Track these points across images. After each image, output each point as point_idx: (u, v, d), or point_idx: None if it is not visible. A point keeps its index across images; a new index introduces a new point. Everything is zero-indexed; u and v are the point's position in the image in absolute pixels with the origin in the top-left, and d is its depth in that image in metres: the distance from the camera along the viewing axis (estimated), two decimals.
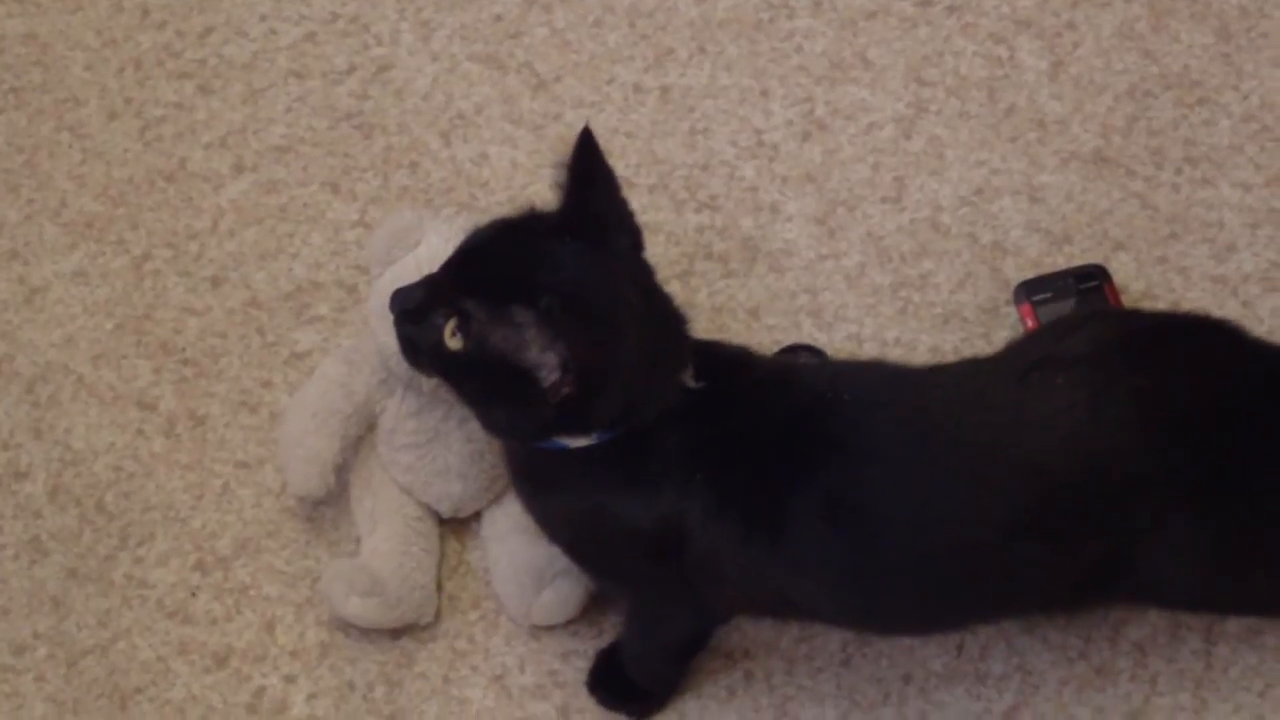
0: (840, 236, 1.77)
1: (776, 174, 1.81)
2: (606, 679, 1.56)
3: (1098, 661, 1.55)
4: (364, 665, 1.60)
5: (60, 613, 1.64)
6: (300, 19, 1.94)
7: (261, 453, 1.70)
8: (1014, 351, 1.45)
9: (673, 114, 1.85)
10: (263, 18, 1.95)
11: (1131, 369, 1.37)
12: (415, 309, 1.38)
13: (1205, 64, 1.83)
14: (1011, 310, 1.70)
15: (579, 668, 1.58)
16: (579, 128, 1.37)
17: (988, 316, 1.71)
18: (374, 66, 1.91)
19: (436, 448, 1.60)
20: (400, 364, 1.46)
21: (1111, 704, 1.53)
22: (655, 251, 1.47)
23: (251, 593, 1.64)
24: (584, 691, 1.56)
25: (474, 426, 1.54)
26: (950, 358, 1.68)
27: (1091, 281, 1.68)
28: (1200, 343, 1.43)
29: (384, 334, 1.52)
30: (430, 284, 1.38)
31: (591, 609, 1.59)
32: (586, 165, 1.36)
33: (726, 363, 1.42)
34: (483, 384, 1.37)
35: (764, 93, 1.85)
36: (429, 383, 1.55)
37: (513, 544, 1.58)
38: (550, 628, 1.59)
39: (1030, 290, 1.68)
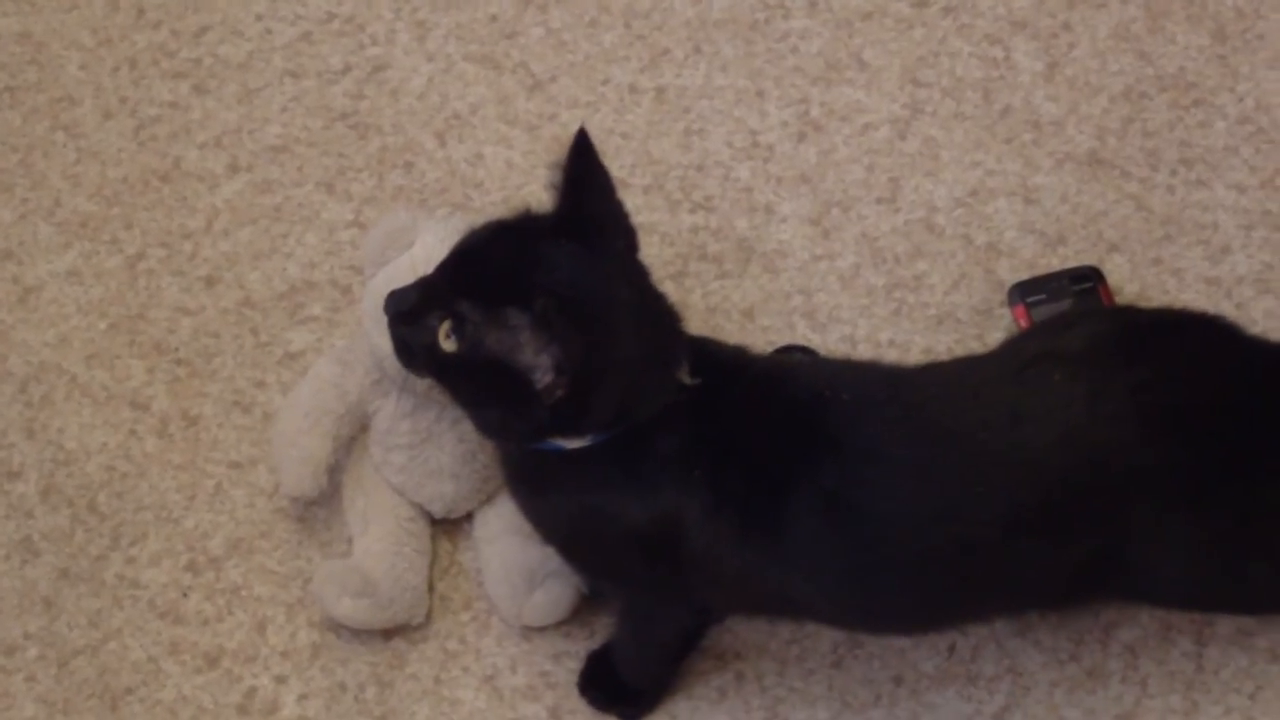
0: (835, 237, 1.76)
1: (771, 175, 1.80)
2: (598, 680, 1.56)
3: (1089, 663, 1.55)
4: (355, 666, 1.59)
5: (51, 613, 1.63)
6: (295, 19, 1.94)
7: (254, 453, 1.70)
8: (1010, 348, 1.45)
9: (668, 115, 1.85)
10: (258, 17, 1.95)
11: (1128, 364, 1.37)
12: (409, 311, 1.38)
13: (1201, 66, 1.83)
14: (1006, 312, 1.69)
15: (570, 669, 1.57)
16: (574, 128, 1.37)
17: (982, 318, 1.71)
18: (369, 66, 1.90)
19: (429, 448, 1.60)
20: (394, 365, 1.45)
21: (1102, 706, 1.53)
22: (650, 252, 1.47)
23: (243, 593, 1.64)
24: (575, 692, 1.56)
25: (467, 427, 1.54)
26: (944, 359, 1.68)
27: (1086, 283, 1.68)
28: (1196, 338, 1.43)
29: (378, 335, 1.51)
30: (425, 285, 1.38)
31: (583, 610, 1.59)
32: (582, 166, 1.36)
33: (723, 361, 1.42)
34: (477, 386, 1.37)
35: (759, 93, 1.85)
36: (422, 384, 1.55)
37: (505, 545, 1.58)
38: (542, 629, 1.59)
39: (1025, 292, 1.68)
